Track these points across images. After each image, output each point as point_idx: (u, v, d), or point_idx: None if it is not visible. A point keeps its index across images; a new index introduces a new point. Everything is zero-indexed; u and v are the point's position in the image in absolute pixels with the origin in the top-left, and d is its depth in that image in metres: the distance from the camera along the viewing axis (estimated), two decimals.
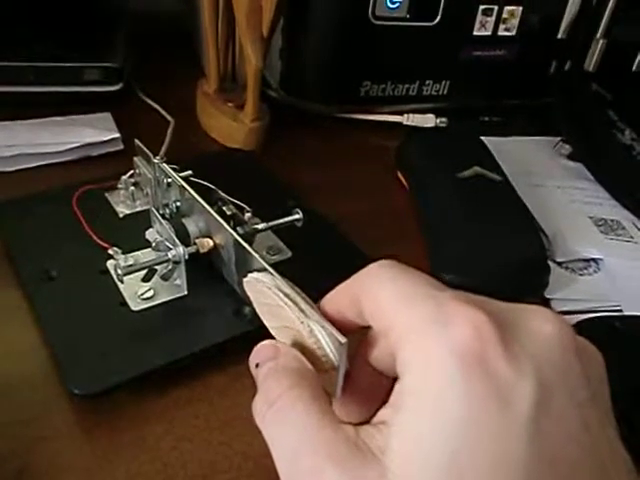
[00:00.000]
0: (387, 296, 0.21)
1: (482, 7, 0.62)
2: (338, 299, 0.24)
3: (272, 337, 0.26)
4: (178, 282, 0.39)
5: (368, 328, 0.24)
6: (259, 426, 0.22)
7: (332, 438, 0.20)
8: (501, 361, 0.18)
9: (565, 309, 0.43)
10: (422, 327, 0.20)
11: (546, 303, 0.44)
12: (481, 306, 0.20)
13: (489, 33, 0.64)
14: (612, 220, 0.53)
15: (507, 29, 0.64)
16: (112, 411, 0.34)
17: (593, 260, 0.48)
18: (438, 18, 0.62)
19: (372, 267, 0.23)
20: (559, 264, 0.47)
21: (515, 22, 0.64)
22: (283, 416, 0.21)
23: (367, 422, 0.23)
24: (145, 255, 0.41)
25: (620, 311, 0.44)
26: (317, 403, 0.21)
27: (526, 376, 0.18)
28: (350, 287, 0.24)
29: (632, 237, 0.51)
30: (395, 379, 0.24)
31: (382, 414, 0.23)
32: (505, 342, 0.19)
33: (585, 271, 0.47)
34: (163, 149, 0.50)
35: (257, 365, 0.24)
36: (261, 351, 0.24)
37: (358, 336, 0.24)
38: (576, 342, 0.20)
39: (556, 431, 0.18)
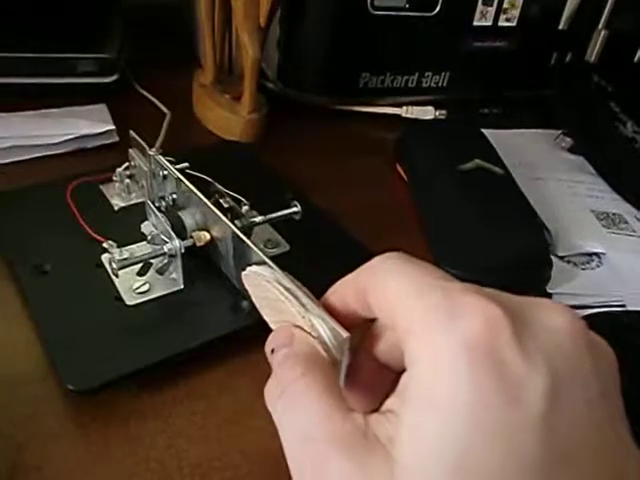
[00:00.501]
0: (394, 287, 0.21)
1: None
2: (343, 291, 0.24)
3: (271, 331, 0.26)
4: (174, 276, 0.38)
5: (373, 321, 0.23)
6: (270, 410, 0.22)
7: (341, 426, 0.20)
8: (512, 354, 0.18)
9: (567, 304, 0.43)
10: (431, 318, 0.19)
11: (548, 297, 0.43)
12: (492, 298, 0.19)
13: (489, 23, 0.63)
14: (614, 214, 0.52)
15: (508, 19, 0.64)
16: (107, 407, 0.33)
17: (595, 254, 0.48)
18: (438, 8, 0.61)
19: (378, 259, 0.23)
20: (561, 258, 0.47)
21: (516, 12, 0.63)
22: (294, 402, 0.21)
23: (376, 410, 0.23)
24: (140, 248, 0.40)
25: (623, 305, 0.43)
26: (329, 390, 0.21)
27: (537, 370, 0.18)
28: (356, 279, 0.23)
29: (634, 231, 0.50)
30: (400, 372, 0.23)
31: (390, 403, 0.23)
32: (517, 335, 0.18)
33: (587, 265, 0.47)
34: (159, 141, 0.49)
35: (272, 351, 0.24)
36: (277, 337, 0.24)
37: (361, 329, 0.24)
38: (588, 337, 0.20)
39: (566, 427, 0.18)
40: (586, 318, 0.39)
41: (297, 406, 0.21)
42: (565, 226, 0.50)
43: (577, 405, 0.18)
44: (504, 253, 0.43)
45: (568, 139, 0.62)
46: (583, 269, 0.47)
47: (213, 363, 0.36)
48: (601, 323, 0.39)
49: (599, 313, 0.41)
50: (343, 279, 0.24)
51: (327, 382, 0.21)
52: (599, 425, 0.18)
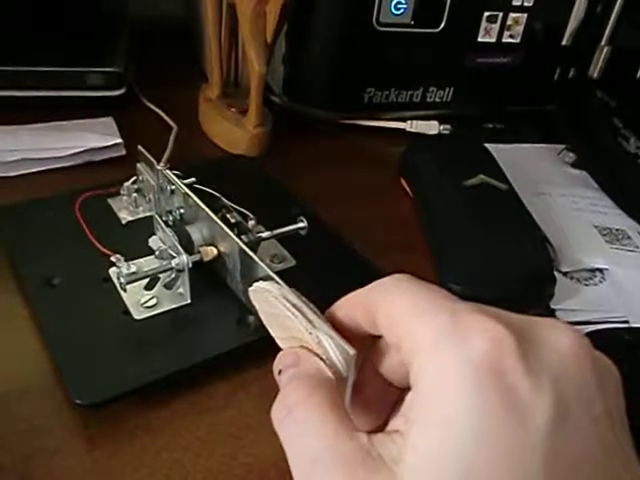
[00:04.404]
0: (402, 307, 0.21)
1: (487, 14, 0.62)
2: (351, 305, 0.24)
3: (278, 346, 0.26)
4: (181, 290, 0.39)
5: (378, 337, 0.24)
6: (276, 430, 0.22)
7: (346, 446, 0.20)
8: (519, 374, 0.18)
9: (570, 320, 0.43)
10: (437, 338, 0.19)
11: (551, 313, 0.44)
12: (498, 318, 0.19)
13: (493, 40, 0.64)
14: (617, 229, 0.52)
15: (512, 36, 0.64)
16: (113, 421, 0.34)
17: (598, 270, 0.48)
18: (442, 24, 0.61)
19: (388, 279, 0.23)
20: (564, 274, 0.47)
21: (520, 29, 0.64)
22: (300, 422, 0.21)
23: (381, 430, 0.23)
24: (148, 263, 0.40)
25: (626, 322, 0.44)
26: (334, 411, 0.21)
27: (543, 390, 0.18)
28: (365, 296, 0.24)
29: (637, 247, 0.50)
30: (404, 389, 0.24)
31: (395, 423, 0.23)
32: (523, 355, 0.19)
33: (590, 281, 0.47)
34: (166, 155, 0.50)
35: (280, 372, 0.24)
36: (284, 358, 0.25)
37: (367, 346, 0.24)
38: (593, 356, 0.20)
39: (572, 447, 0.18)
40: (588, 335, 0.39)
41: (303, 427, 0.21)
42: (568, 242, 0.50)
43: (583, 425, 0.18)
44: (508, 269, 0.44)
45: (571, 154, 0.63)
46: (586, 285, 0.47)
47: (219, 377, 0.36)
48: (603, 340, 0.39)
49: (601, 330, 0.41)
50: (351, 294, 0.24)
51: (333, 403, 0.22)
52: (605, 445, 0.19)
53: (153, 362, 0.35)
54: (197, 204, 0.39)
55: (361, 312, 0.23)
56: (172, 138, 0.56)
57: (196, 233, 0.39)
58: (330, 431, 0.21)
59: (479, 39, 0.64)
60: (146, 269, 0.38)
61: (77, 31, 0.69)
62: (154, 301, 0.38)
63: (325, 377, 0.23)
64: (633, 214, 0.55)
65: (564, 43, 0.67)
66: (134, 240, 0.43)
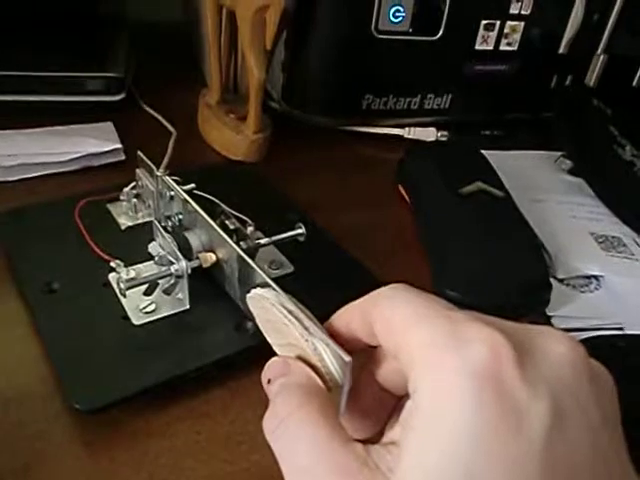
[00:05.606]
0: (400, 315, 0.21)
1: (484, 22, 0.63)
2: (349, 317, 0.24)
3: (275, 353, 0.26)
4: (180, 296, 0.39)
5: (375, 347, 0.24)
6: (269, 441, 0.22)
7: (340, 456, 0.20)
8: (516, 382, 0.18)
9: (566, 326, 0.43)
10: (436, 346, 0.20)
11: (547, 320, 0.44)
12: (496, 326, 0.20)
13: (491, 48, 0.64)
14: (613, 237, 0.53)
15: (509, 44, 0.65)
16: (112, 426, 0.34)
17: (594, 277, 0.48)
18: (440, 32, 0.62)
19: (385, 289, 0.23)
20: (560, 281, 0.47)
21: (517, 37, 0.64)
22: (292, 433, 0.21)
23: (377, 442, 0.23)
24: (147, 268, 0.41)
25: (621, 329, 0.44)
26: (326, 421, 0.21)
27: (541, 399, 0.18)
28: (362, 306, 0.24)
29: (633, 254, 0.51)
30: (401, 397, 0.24)
31: (391, 434, 0.23)
32: (521, 363, 0.19)
33: (586, 288, 0.47)
34: (165, 160, 0.50)
35: (269, 381, 0.24)
36: (272, 367, 0.25)
37: (364, 353, 0.24)
38: (589, 365, 0.20)
39: (569, 455, 0.18)
40: (583, 341, 0.40)
41: (295, 438, 0.21)
42: (564, 249, 0.50)
43: (579, 433, 0.18)
44: (504, 275, 0.44)
45: (568, 161, 0.63)
46: (582, 292, 0.47)
47: (217, 383, 0.36)
48: (598, 347, 0.39)
49: (596, 337, 0.42)
50: (349, 305, 0.24)
51: (324, 413, 0.22)
52: (601, 452, 0.19)
53: (152, 367, 0.35)
54: (196, 210, 0.39)
55: (358, 323, 0.24)
56: (171, 143, 0.56)
57: (195, 239, 0.39)
58: (323, 441, 0.21)
59: (477, 47, 0.64)
60: (145, 275, 0.38)
61: (77, 36, 0.69)
62: (153, 306, 0.38)
63: (316, 386, 0.23)
64: (628, 221, 0.55)
65: (561, 51, 0.67)
66: (133, 246, 0.43)
